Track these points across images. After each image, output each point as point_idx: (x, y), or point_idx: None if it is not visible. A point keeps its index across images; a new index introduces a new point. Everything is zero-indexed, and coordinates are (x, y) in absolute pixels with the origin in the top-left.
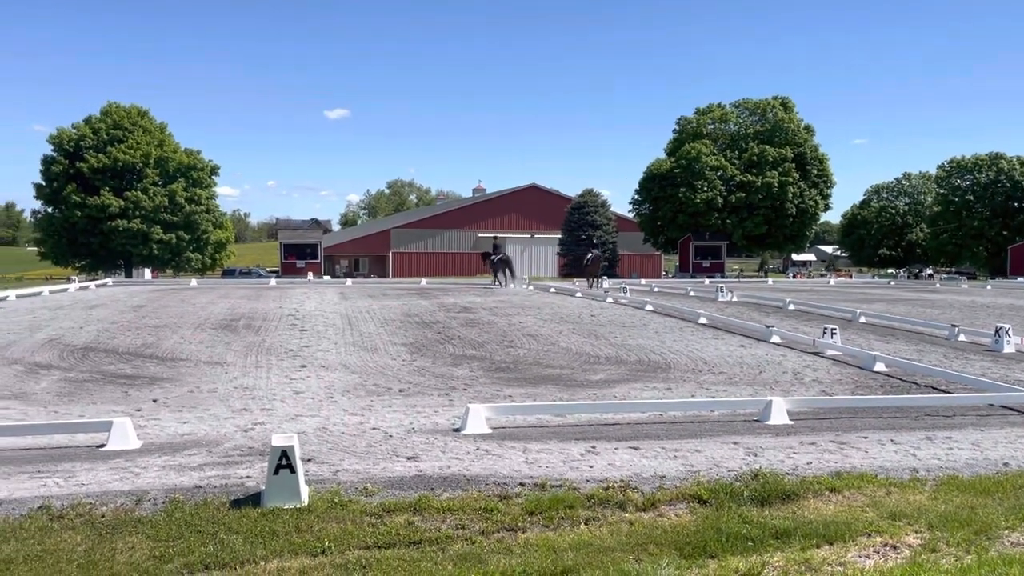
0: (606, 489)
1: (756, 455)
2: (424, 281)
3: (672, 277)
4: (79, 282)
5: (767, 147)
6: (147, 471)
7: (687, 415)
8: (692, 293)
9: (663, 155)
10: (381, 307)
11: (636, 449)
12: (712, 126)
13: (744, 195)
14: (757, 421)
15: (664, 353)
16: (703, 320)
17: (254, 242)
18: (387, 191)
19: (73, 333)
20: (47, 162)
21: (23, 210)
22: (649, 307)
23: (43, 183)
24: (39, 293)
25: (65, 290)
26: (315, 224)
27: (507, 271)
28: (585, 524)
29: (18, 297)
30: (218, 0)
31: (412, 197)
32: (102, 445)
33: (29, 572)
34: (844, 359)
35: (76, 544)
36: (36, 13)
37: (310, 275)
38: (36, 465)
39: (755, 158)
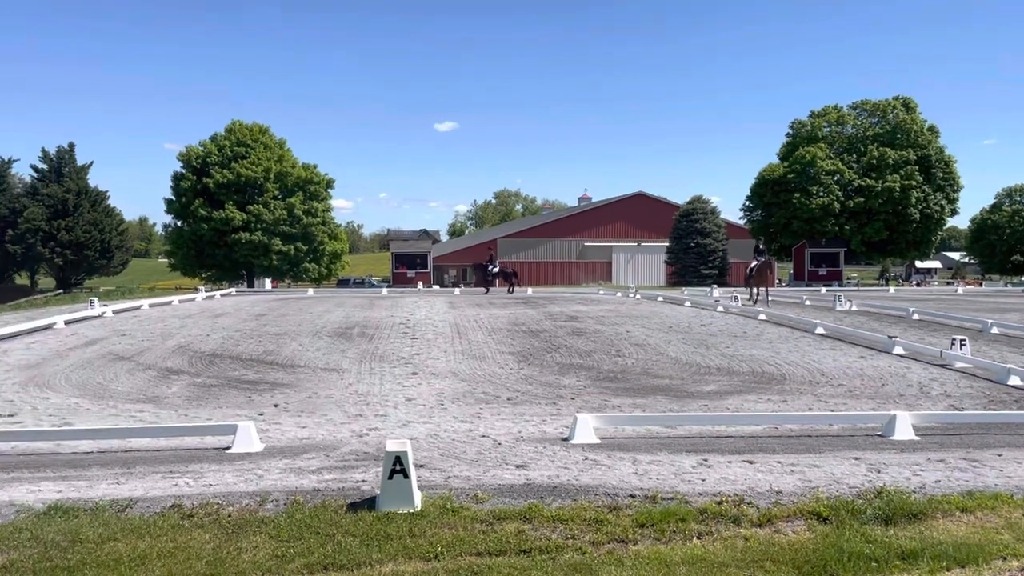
0: (719, 503)
1: (879, 471)
2: (530, 290)
3: (786, 285)
4: (205, 292)
5: (888, 150)
6: (269, 473)
7: (804, 429)
8: (807, 302)
9: (775, 160)
10: (488, 316)
11: (750, 463)
12: (828, 129)
13: (863, 200)
14: (880, 436)
15: (779, 364)
16: (820, 330)
17: (367, 252)
18: (493, 201)
19: (201, 340)
20: (176, 178)
21: (155, 224)
22: (762, 316)
23: (173, 198)
24: (169, 302)
25: (193, 299)
26: (424, 235)
27: (511, 280)
28: (698, 538)
29: (151, 306)
30: (334, 23)
31: (518, 207)
32: (228, 447)
33: (162, 568)
34: (974, 372)
35: (205, 542)
36: (164, 36)
37: (420, 284)
38: (168, 465)
39: (875, 161)
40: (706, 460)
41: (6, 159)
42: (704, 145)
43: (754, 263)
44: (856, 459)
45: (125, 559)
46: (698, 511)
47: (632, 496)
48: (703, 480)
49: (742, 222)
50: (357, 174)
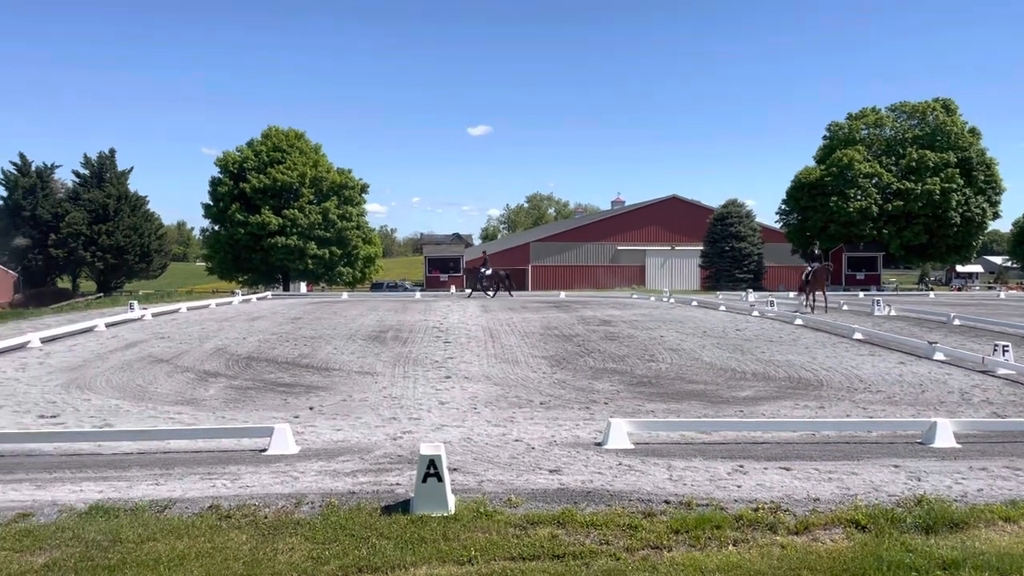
0: (755, 510)
1: (919, 479)
2: (563, 294)
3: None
4: (242, 295)
5: (927, 152)
6: (305, 475)
7: (842, 435)
8: (845, 307)
9: (812, 163)
10: (521, 320)
11: (787, 470)
12: (866, 131)
13: (902, 203)
14: (920, 444)
15: (816, 370)
16: (858, 335)
17: (400, 256)
18: (526, 205)
19: (237, 343)
20: (214, 183)
21: (193, 228)
22: (798, 321)
23: (211, 203)
24: (207, 306)
25: (230, 303)
26: (457, 239)
27: (505, 284)
28: (733, 545)
29: (189, 309)
30: (368, 30)
31: (551, 211)
32: (264, 449)
33: (200, 568)
34: (1018, 379)
35: (242, 543)
36: (202, 42)
37: (453, 288)
38: (206, 467)
39: (914, 164)
40: (742, 466)
41: (49, 165)
42: (739, 148)
43: (810, 267)
44: (896, 467)
45: (164, 559)
46: (734, 518)
47: (667, 502)
48: (739, 487)
49: (778, 226)
50: (391, 179)
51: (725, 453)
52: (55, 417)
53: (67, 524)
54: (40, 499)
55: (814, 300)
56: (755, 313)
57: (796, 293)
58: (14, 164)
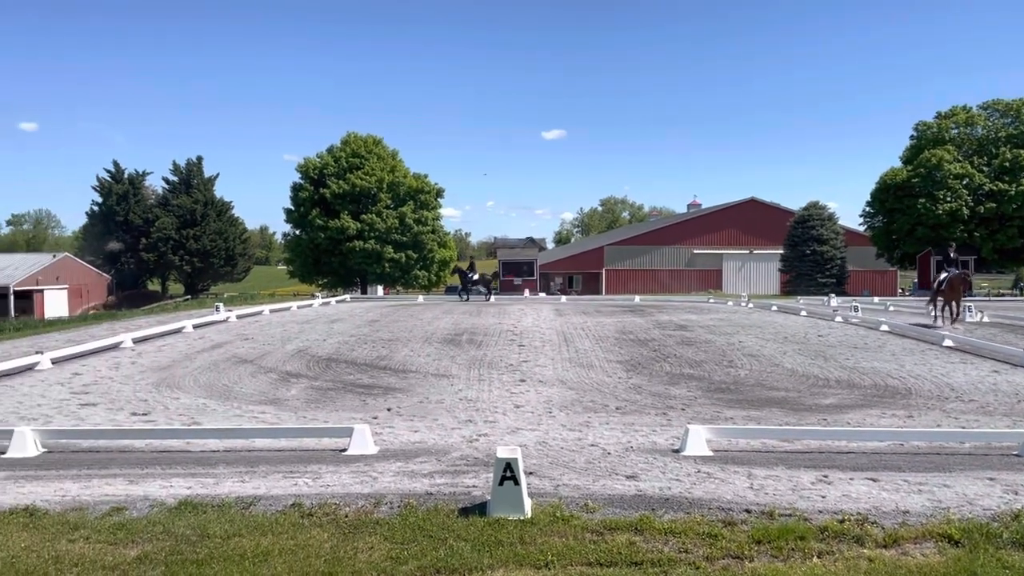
0: (841, 522)
1: (1017, 493)
2: (638, 298)
3: (909, 295)
4: (322, 298)
5: (1022, 152)
6: (383, 476)
7: (932, 446)
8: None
9: (898, 164)
10: (595, 324)
11: (874, 480)
12: (956, 131)
13: (995, 205)
14: (1016, 456)
15: (903, 377)
16: (948, 342)
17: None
18: (600, 208)
19: (318, 345)
20: (295, 189)
21: (275, 232)
22: (884, 327)
23: (292, 208)
24: (288, 308)
25: (310, 305)
26: (530, 242)
27: (485, 289)
28: (818, 557)
29: (271, 312)
30: (444, 36)
31: (625, 214)
32: (344, 449)
33: (283, 564)
34: None
35: (323, 541)
36: (283, 51)
37: (526, 292)
38: (289, 465)
39: (1008, 164)
40: (826, 476)
41: (140, 172)
42: (820, 150)
43: (944, 274)
44: (991, 479)
45: (249, 555)
46: (818, 529)
47: (748, 511)
48: (823, 497)
49: (862, 228)
50: (465, 183)
51: (808, 462)
52: (146, 415)
53: (158, 518)
54: (133, 494)
55: (946, 310)
56: (838, 319)
57: (926, 302)
58: (108, 172)
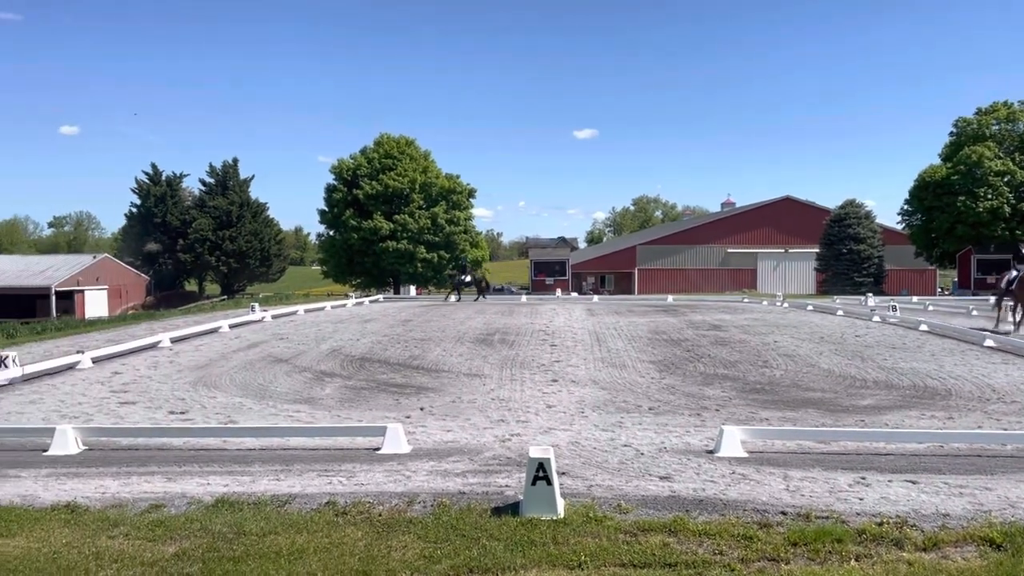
0: (879, 524)
1: None
2: (670, 298)
3: (949, 294)
4: (355, 298)
5: None
6: (417, 475)
7: (973, 448)
8: (975, 312)
9: (937, 161)
10: (628, 324)
11: (913, 483)
12: (996, 127)
13: None
14: None
15: (943, 378)
16: (990, 342)
17: (506, 260)
18: (632, 208)
19: (351, 344)
20: (329, 190)
21: (309, 233)
22: (923, 327)
23: (326, 209)
24: (322, 308)
25: (344, 305)
26: (562, 242)
27: (473, 289)
28: (856, 560)
29: (306, 312)
30: (476, 37)
31: (658, 213)
32: (377, 448)
33: (318, 562)
34: None
35: (357, 539)
36: (316, 54)
37: (558, 291)
38: (323, 464)
39: None
40: (864, 478)
41: (178, 174)
42: (855, 147)
43: (1015, 272)
44: None
45: (284, 552)
46: (856, 531)
47: (784, 513)
48: (861, 499)
49: (900, 227)
50: (497, 183)
51: (846, 464)
52: (184, 413)
53: (195, 516)
54: (171, 491)
55: (1014, 311)
56: (875, 318)
57: (992, 304)
58: (146, 174)
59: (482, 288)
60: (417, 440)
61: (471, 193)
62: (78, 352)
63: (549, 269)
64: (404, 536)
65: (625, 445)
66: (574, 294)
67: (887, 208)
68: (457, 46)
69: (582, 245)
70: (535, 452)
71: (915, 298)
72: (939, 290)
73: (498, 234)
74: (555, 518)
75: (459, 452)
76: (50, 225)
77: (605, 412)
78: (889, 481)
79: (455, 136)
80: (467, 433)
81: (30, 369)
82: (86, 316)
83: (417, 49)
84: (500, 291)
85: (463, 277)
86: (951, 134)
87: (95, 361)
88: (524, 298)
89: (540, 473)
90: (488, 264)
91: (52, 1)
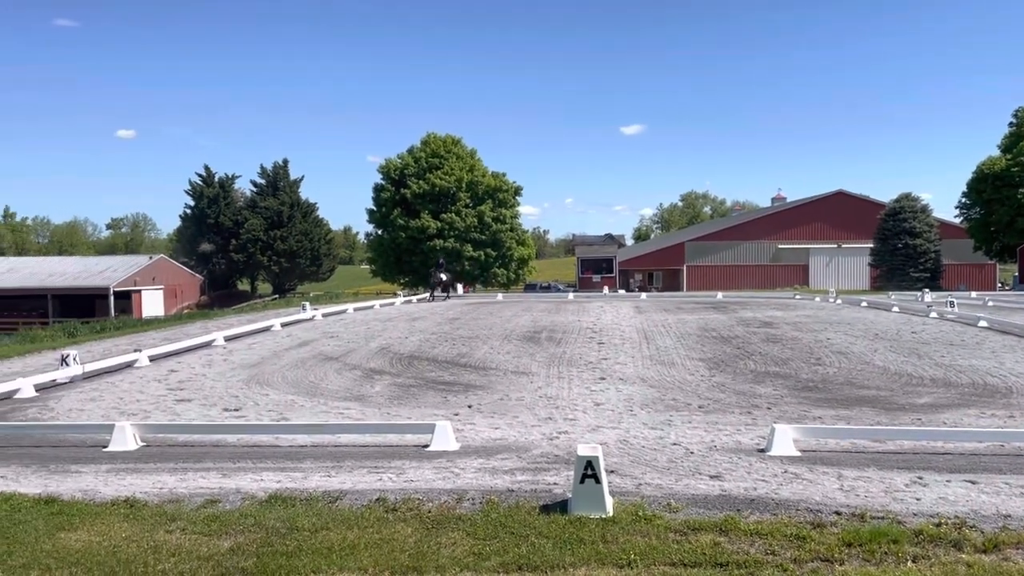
0: (937, 525)
1: None
2: (720, 295)
3: (1010, 289)
4: (404, 296)
5: None
6: (465, 472)
7: None
8: None
9: (996, 152)
10: (677, 321)
11: (973, 483)
12: None
13: None
14: None
15: (1004, 376)
16: None
17: (552, 258)
18: (680, 204)
19: (400, 342)
20: (377, 189)
21: (358, 232)
22: (983, 323)
23: (374, 208)
24: (371, 307)
25: (392, 303)
26: (609, 239)
27: (445, 288)
28: (912, 562)
29: (355, 310)
30: (521, 36)
31: (706, 209)
32: (426, 445)
33: (369, 558)
34: None
35: (407, 536)
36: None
37: (605, 289)
38: (373, 461)
39: None
40: (921, 478)
41: (230, 176)
42: (911, 139)
43: None
44: None
45: (336, 548)
46: (913, 532)
47: (838, 513)
48: (918, 499)
49: (957, 220)
50: (544, 180)
51: (902, 463)
52: (238, 411)
53: (249, 511)
54: (226, 487)
55: None
56: (933, 315)
57: None
58: (200, 176)
59: (447, 288)
60: (465, 437)
61: (517, 191)
62: (136, 351)
63: (596, 266)
64: (453, 533)
65: (674, 443)
66: (621, 291)
67: (944, 201)
68: (504, 45)
69: (629, 242)
70: (583, 450)
71: (974, 293)
72: (999, 285)
73: (544, 231)
74: (604, 516)
75: (507, 450)
76: (108, 227)
77: (654, 410)
78: (947, 481)
79: (501, 134)
80: (515, 431)
81: (90, 367)
82: (143, 315)
83: (464, 48)
84: (547, 289)
85: (440, 275)
86: (1011, 124)
87: (152, 359)
88: (571, 295)
89: (589, 471)
90: (535, 262)
91: (107, 7)
